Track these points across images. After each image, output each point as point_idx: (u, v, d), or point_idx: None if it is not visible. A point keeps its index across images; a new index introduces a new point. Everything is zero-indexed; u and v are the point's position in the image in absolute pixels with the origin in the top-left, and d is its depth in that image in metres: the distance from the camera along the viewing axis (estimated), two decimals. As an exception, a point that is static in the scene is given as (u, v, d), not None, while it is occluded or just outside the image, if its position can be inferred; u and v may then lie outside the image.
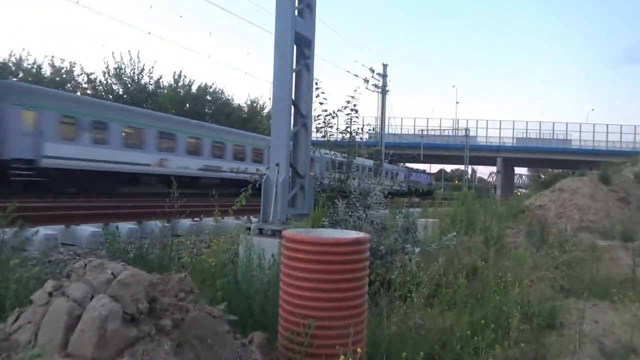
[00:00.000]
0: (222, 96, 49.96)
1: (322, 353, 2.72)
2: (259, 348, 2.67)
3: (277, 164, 5.90)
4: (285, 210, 5.89)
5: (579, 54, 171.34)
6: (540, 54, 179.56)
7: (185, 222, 9.17)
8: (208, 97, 48.33)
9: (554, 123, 52.76)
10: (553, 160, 50.66)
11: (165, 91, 44.73)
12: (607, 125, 51.26)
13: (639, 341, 3.67)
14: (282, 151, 5.97)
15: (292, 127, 6.31)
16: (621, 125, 51.21)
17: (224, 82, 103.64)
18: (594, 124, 51.96)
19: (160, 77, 44.75)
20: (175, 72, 46.30)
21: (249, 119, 49.53)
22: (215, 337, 2.33)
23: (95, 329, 1.92)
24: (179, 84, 45.96)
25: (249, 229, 5.55)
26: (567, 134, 52.36)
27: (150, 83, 43.86)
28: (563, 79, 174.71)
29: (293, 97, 6.34)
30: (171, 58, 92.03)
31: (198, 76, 68.88)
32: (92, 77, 40.72)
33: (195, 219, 10.08)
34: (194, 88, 46.87)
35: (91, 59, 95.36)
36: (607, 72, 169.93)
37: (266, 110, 51.02)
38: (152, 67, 44.09)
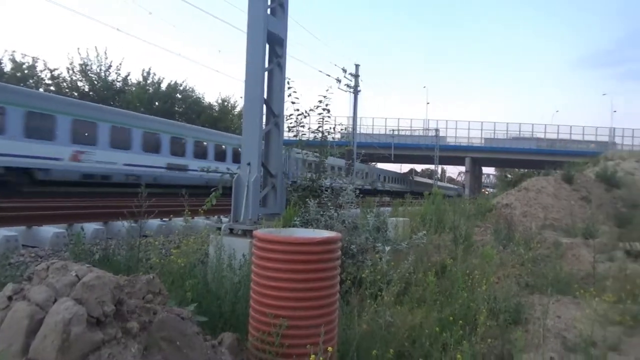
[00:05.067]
0: (193, 94, 49.25)
1: (293, 353, 2.72)
2: (229, 349, 2.65)
3: (249, 164, 5.86)
4: (257, 210, 5.85)
5: (545, 57, 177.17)
6: (508, 55, 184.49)
7: (154, 222, 8.99)
8: (178, 95, 47.54)
9: (520, 124, 54.39)
10: (519, 160, 51.98)
11: (134, 88, 43.75)
12: (571, 126, 53.20)
13: (599, 335, 3.82)
14: (254, 150, 5.93)
15: (264, 126, 6.29)
16: (583, 127, 53.20)
17: (194, 80, 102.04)
18: (558, 125, 53.93)
19: (129, 74, 43.76)
20: (144, 70, 45.41)
21: (219, 118, 48.96)
22: (184, 339, 2.30)
23: (58, 333, 1.86)
24: (148, 82, 45.04)
25: (220, 229, 5.49)
26: (533, 134, 53.99)
27: (118, 80, 42.83)
28: (530, 80, 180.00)
29: (265, 96, 6.31)
30: (140, 55, 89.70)
31: (168, 74, 67.40)
32: (56, 73, 39.43)
33: (164, 219, 9.89)
34: (163, 86, 46.01)
35: (56, 55, 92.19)
36: (572, 75, 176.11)
37: (237, 109, 50.55)
38: (120, 64, 43.06)
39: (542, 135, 53.63)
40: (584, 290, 5.21)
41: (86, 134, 20.21)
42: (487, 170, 77.34)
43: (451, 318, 3.92)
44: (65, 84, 39.80)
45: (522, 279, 6.56)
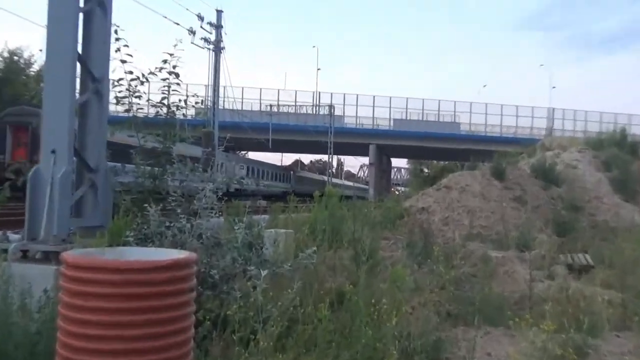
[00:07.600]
0: (-39, 43, 45.29)
1: None
2: None
3: (53, 151, 5.56)
4: (67, 222, 5.60)
5: (469, 18, 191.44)
6: (421, 17, 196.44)
7: None
8: None
9: (439, 101, 58.01)
10: (438, 150, 55.50)
11: None
12: (502, 105, 58.04)
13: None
14: (62, 131, 5.66)
15: (77, 95, 6.01)
16: (517, 107, 58.39)
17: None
18: (486, 104, 58.38)
19: None
20: None
21: (7, 79, 45.59)
22: None
23: None
24: None
25: (6, 251, 5.14)
26: (455, 115, 57.96)
27: None
28: (450, 48, 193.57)
29: (80, 50, 6.06)
30: None
31: None
32: None
33: None
34: None
35: None
36: (503, 41, 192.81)
37: (35, 68, 47.57)
38: None
39: (466, 117, 57.84)
40: (519, 318, 5.76)
41: None
42: (397, 162, 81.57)
43: (352, 365, 4.08)
44: None
45: (442, 306, 7.05)
